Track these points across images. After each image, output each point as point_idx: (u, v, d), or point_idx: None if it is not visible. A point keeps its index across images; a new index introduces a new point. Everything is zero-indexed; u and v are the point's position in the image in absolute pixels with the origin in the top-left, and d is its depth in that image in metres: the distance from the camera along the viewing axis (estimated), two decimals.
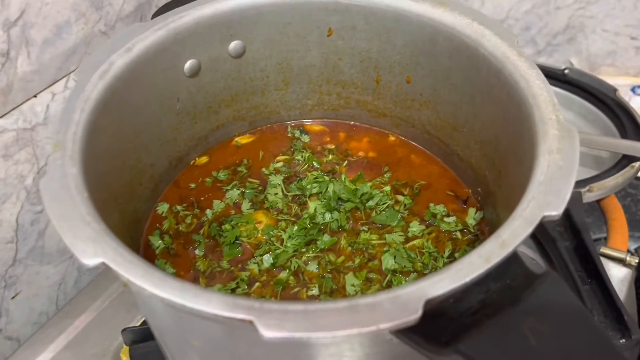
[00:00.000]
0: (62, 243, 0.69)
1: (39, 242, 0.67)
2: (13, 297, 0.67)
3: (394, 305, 0.29)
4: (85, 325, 0.64)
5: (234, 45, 0.54)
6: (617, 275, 0.67)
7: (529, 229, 0.33)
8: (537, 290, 0.32)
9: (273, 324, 0.28)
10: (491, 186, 0.51)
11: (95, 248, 0.32)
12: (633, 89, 1.10)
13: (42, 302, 0.71)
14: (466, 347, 0.30)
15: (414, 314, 0.29)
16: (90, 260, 0.31)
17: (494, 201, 0.51)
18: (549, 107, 0.41)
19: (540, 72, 0.44)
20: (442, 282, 0.30)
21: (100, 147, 0.43)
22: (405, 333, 0.32)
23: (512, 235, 0.33)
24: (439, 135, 0.57)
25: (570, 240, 0.66)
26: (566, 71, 0.91)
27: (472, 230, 0.52)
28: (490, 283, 0.34)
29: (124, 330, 0.60)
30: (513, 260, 0.35)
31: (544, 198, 0.35)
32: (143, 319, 0.64)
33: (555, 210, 0.34)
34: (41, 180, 0.35)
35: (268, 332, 0.28)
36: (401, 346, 0.36)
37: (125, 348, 0.60)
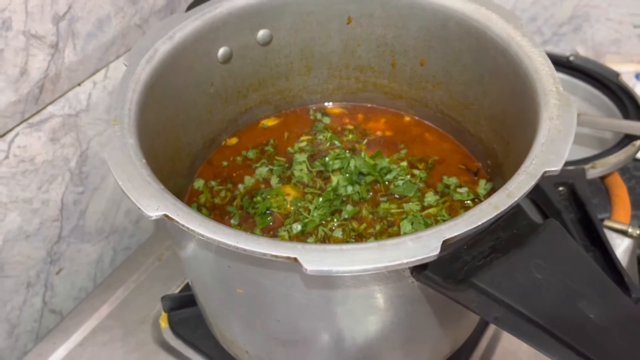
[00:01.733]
0: (100, 223, 0.75)
1: (80, 222, 0.72)
2: (57, 272, 0.72)
3: (416, 244, 0.34)
4: (125, 296, 0.69)
5: (262, 33, 0.59)
6: (620, 245, 0.71)
7: (532, 182, 0.38)
8: (541, 235, 0.37)
9: (314, 260, 0.33)
10: (500, 158, 0.56)
11: (157, 203, 0.37)
12: (637, 76, 1.14)
13: (82, 278, 0.76)
14: (479, 281, 0.35)
15: (434, 251, 0.34)
16: (154, 212, 0.36)
17: (502, 172, 0.55)
18: (550, 80, 0.45)
19: (542, 50, 0.48)
20: (458, 225, 0.35)
21: (149, 123, 0.48)
22: (426, 275, 0.37)
23: (517, 188, 0.37)
24: (451, 114, 0.62)
25: (574, 213, 0.70)
26: (571, 58, 0.95)
27: (482, 199, 0.57)
28: (499, 232, 0.39)
29: (163, 297, 0.65)
30: (519, 212, 0.40)
31: (545, 156, 0.39)
32: (179, 289, 0.69)
33: (555, 166, 0.38)
34: (105, 149, 0.41)
35: (310, 266, 0.33)
36: (422, 290, 0.41)
37: (164, 315, 0.66)
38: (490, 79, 0.55)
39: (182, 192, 0.59)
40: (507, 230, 0.39)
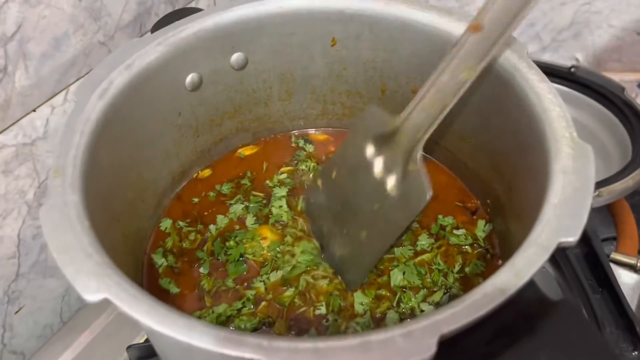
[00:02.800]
0: None
1: (41, 256, 0.66)
2: (17, 312, 0.66)
3: (407, 342, 0.28)
4: (90, 340, 0.63)
5: (235, 57, 0.53)
6: (628, 282, 0.66)
7: (545, 257, 0.32)
8: (554, 319, 0.31)
9: None
10: (501, 198, 0.50)
11: (98, 283, 0.31)
12: (639, 85, 1.09)
13: (47, 315, 0.70)
14: None
15: (429, 351, 0.28)
16: (93, 296, 0.30)
17: (503, 213, 0.50)
18: (562, 123, 0.39)
19: (552, 85, 0.42)
20: (457, 316, 0.29)
21: (102, 166, 0.42)
22: None
23: (527, 264, 0.32)
24: (446, 145, 0.56)
25: (580, 248, 0.65)
26: (572, 69, 0.89)
27: (482, 243, 0.51)
28: (505, 310, 0.33)
29: (129, 347, 0.59)
30: (528, 286, 0.34)
31: (560, 222, 0.33)
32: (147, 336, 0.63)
33: (572, 236, 0.33)
34: (41, 210, 0.34)
35: None
36: None
37: None
38: (490, 113, 0.49)
39: (147, 235, 0.52)
40: (514, 308, 0.33)
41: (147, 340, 0.61)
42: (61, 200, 0.35)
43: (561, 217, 0.34)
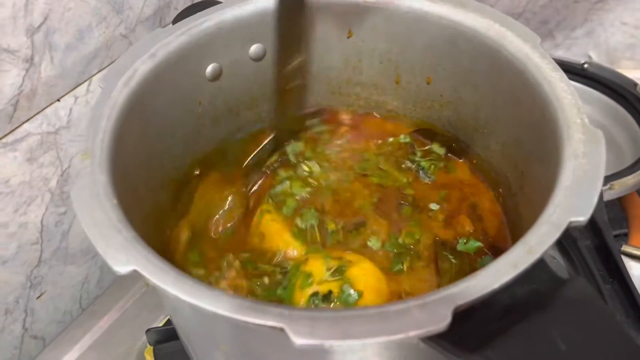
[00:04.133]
0: (85, 244, 0.71)
1: (62, 243, 0.68)
2: (38, 297, 0.68)
3: (422, 313, 0.29)
4: (109, 325, 0.65)
5: (254, 48, 0.54)
6: (639, 274, 0.67)
7: (556, 235, 0.33)
8: (565, 295, 0.33)
9: (304, 331, 0.29)
10: (513, 187, 0.51)
11: (127, 256, 0.32)
12: None
13: (66, 301, 0.72)
14: (494, 353, 0.30)
15: (443, 321, 0.29)
16: (122, 267, 0.32)
17: (515, 203, 0.51)
18: (574, 110, 0.40)
19: (563, 74, 0.43)
20: (471, 289, 0.30)
21: (127, 152, 0.43)
22: (433, 339, 0.32)
23: (539, 241, 0.33)
24: (459, 136, 0.57)
25: (591, 239, 0.65)
26: (585, 65, 0.90)
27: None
28: (516, 288, 0.34)
29: (148, 330, 0.61)
30: (539, 265, 0.35)
31: (571, 203, 0.34)
32: (166, 319, 0.64)
33: (583, 216, 0.33)
34: (72, 189, 0.36)
35: (299, 340, 0.28)
36: (428, 351, 0.36)
37: (149, 348, 0.61)
38: (503, 103, 0.50)
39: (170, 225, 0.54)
40: (525, 286, 0.34)
41: (165, 324, 0.63)
42: (90, 179, 0.37)
43: (572, 198, 0.35)
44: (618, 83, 0.88)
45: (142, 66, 0.46)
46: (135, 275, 0.33)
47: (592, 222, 0.66)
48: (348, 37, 0.56)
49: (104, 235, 0.33)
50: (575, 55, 1.11)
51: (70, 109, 0.63)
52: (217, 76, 0.53)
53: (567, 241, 0.65)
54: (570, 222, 0.33)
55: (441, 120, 0.58)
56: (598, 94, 0.89)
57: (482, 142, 0.55)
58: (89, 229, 0.34)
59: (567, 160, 0.37)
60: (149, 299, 0.67)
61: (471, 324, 0.33)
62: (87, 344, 0.63)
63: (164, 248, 0.49)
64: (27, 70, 0.56)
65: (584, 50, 1.12)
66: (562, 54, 1.12)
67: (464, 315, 0.33)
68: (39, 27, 0.55)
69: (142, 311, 0.66)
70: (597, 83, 0.88)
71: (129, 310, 0.66)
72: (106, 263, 0.32)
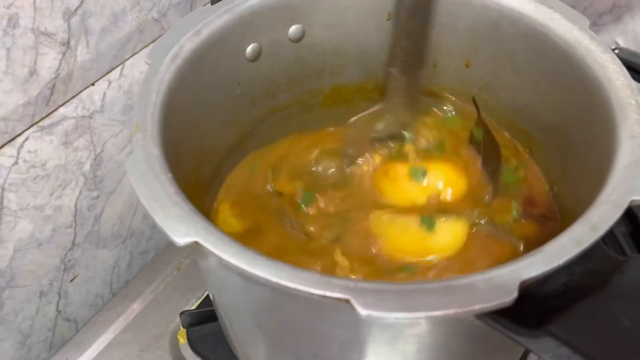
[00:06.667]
0: (116, 228, 0.71)
1: (95, 227, 0.68)
2: (72, 280, 0.68)
3: (489, 287, 0.29)
4: (142, 308, 0.65)
5: (294, 29, 0.54)
6: None
7: (618, 213, 0.33)
8: (627, 273, 0.32)
9: (370, 303, 0.28)
10: (553, 172, 0.51)
11: (187, 227, 0.32)
12: None
13: (98, 285, 0.72)
14: (558, 328, 0.30)
15: (510, 295, 0.29)
16: (182, 239, 0.32)
17: (559, 187, 0.50)
18: (627, 91, 0.40)
19: (615, 56, 0.43)
20: (536, 265, 0.30)
21: (173, 128, 0.43)
22: (491, 316, 0.32)
23: (601, 219, 0.32)
24: (498, 121, 0.57)
25: (625, 225, 0.65)
26: (616, 51, 0.89)
27: None
28: (574, 267, 0.34)
29: (181, 313, 0.61)
30: (595, 245, 0.35)
31: (631, 182, 0.34)
32: (198, 302, 0.65)
33: None
34: (127, 162, 0.36)
35: (365, 311, 0.28)
36: (479, 329, 0.36)
37: (183, 330, 0.61)
38: (547, 86, 0.49)
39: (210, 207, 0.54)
40: (582, 265, 0.34)
41: (198, 307, 0.63)
42: (144, 152, 0.37)
43: (631, 177, 0.34)
44: None
45: (187, 43, 0.46)
46: (193, 247, 0.32)
47: (628, 207, 0.66)
48: (387, 20, 0.55)
49: (163, 207, 0.33)
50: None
51: (104, 93, 0.63)
52: (256, 56, 0.53)
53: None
54: (632, 201, 0.33)
55: (478, 104, 0.57)
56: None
57: (522, 127, 0.54)
58: (147, 201, 0.34)
59: (624, 140, 0.37)
60: (180, 282, 0.67)
61: (530, 301, 0.33)
62: (120, 327, 0.63)
63: None
64: (63, 54, 0.56)
65: (611, 36, 1.10)
66: None
67: (523, 292, 0.33)
68: (75, 10, 0.55)
69: (174, 294, 0.66)
70: (628, 69, 0.87)
71: (160, 293, 0.66)
72: (165, 234, 0.32)
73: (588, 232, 0.32)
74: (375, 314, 0.28)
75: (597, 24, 1.08)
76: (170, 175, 0.36)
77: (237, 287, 0.38)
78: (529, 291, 0.33)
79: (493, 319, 0.32)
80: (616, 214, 0.32)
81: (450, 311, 0.28)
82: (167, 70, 0.43)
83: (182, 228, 0.32)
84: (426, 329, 0.35)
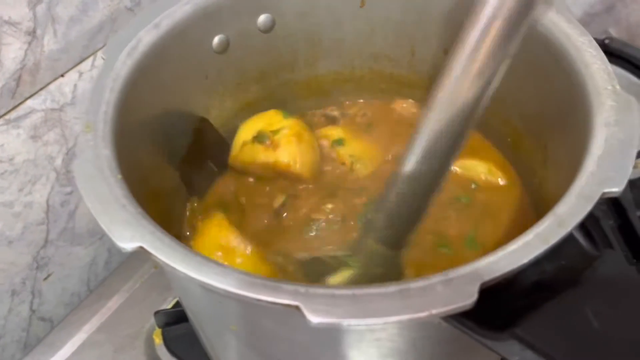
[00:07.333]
0: (92, 224, 0.69)
1: (69, 224, 0.67)
2: (45, 279, 0.67)
3: (447, 289, 0.28)
4: (117, 306, 0.63)
5: (263, 18, 0.52)
6: None
7: (588, 207, 0.31)
8: (598, 270, 0.31)
9: (320, 310, 0.27)
10: (535, 160, 0.49)
11: (132, 232, 0.31)
12: None
13: (74, 283, 0.71)
14: (524, 331, 0.29)
15: (469, 298, 0.27)
16: (128, 244, 0.30)
17: (537, 175, 0.49)
18: (604, 76, 0.38)
19: (592, 39, 0.41)
20: (498, 264, 0.28)
21: (131, 126, 0.41)
22: (456, 318, 0.31)
23: (570, 214, 0.31)
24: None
25: (614, 219, 0.63)
26: (606, 41, 0.87)
27: None
28: (545, 263, 0.32)
29: (156, 312, 0.59)
30: (568, 239, 0.33)
31: (604, 173, 0.32)
32: (174, 301, 0.63)
33: (617, 186, 0.31)
34: (74, 162, 0.34)
35: (315, 318, 0.27)
36: (450, 330, 0.34)
37: (158, 330, 0.60)
38: (525, 73, 0.47)
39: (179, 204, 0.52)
40: (554, 261, 0.32)
41: (174, 306, 0.62)
42: (93, 153, 0.35)
43: (605, 168, 0.33)
44: None
45: (146, 37, 0.44)
46: (141, 253, 0.31)
47: (616, 200, 0.64)
48: (361, 7, 0.53)
49: (108, 210, 0.32)
50: (594, 32, 1.06)
51: (75, 85, 0.61)
52: (224, 48, 0.51)
53: (589, 220, 0.62)
54: (604, 194, 0.31)
55: None
56: (620, 70, 0.86)
57: (502, 116, 0.52)
58: (92, 204, 0.32)
59: (599, 128, 0.35)
60: (157, 280, 0.65)
61: (497, 302, 0.31)
62: (95, 326, 0.62)
63: (170, 225, 0.47)
64: (29, 44, 0.54)
65: (603, 26, 1.08)
66: None
67: (490, 293, 0.31)
68: None
69: (151, 293, 0.64)
70: (619, 59, 0.85)
71: (137, 292, 0.65)
72: (111, 239, 0.31)
73: (555, 228, 0.30)
74: (326, 320, 0.27)
75: (589, 13, 1.06)
76: (119, 176, 0.34)
77: (196, 292, 0.36)
78: (495, 291, 0.31)
79: (458, 321, 0.31)
80: (586, 208, 0.31)
81: (405, 317, 0.26)
82: (124, 65, 0.41)
83: (128, 233, 0.31)
84: (392, 333, 0.33)
